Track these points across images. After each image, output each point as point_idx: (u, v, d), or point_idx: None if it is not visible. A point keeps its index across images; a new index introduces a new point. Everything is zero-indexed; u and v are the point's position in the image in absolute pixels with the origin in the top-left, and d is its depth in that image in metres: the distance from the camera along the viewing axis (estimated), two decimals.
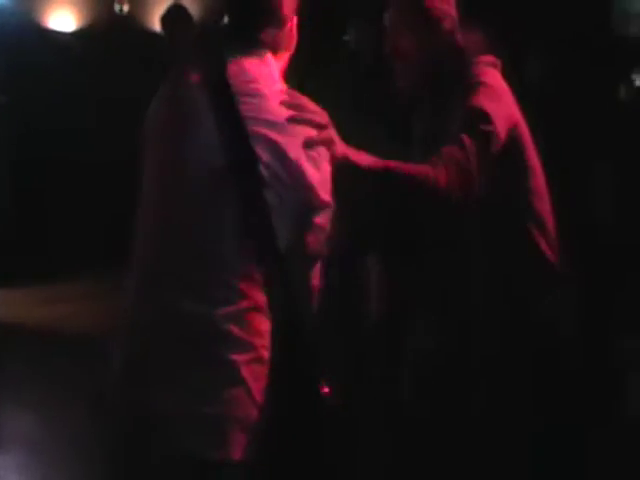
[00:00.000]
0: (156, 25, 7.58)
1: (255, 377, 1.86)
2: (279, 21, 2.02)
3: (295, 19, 2.08)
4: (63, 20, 8.05)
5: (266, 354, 1.88)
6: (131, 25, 8.17)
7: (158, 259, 1.94)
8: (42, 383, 4.70)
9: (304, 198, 1.91)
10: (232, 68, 1.97)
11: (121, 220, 2.69)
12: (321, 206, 1.94)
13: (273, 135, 1.89)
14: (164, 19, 5.34)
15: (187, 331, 1.86)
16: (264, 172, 1.86)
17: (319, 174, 1.93)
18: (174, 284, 1.89)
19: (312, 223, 1.94)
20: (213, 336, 1.85)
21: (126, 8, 8.16)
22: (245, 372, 1.85)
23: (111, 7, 8.11)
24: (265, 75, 1.99)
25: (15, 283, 6.62)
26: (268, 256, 1.87)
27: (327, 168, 1.97)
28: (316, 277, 2.00)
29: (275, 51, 2.04)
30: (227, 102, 1.91)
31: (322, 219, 1.96)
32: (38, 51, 7.40)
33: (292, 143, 1.89)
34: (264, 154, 1.87)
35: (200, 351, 1.85)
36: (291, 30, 2.08)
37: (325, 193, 1.95)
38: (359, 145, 2.18)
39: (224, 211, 1.88)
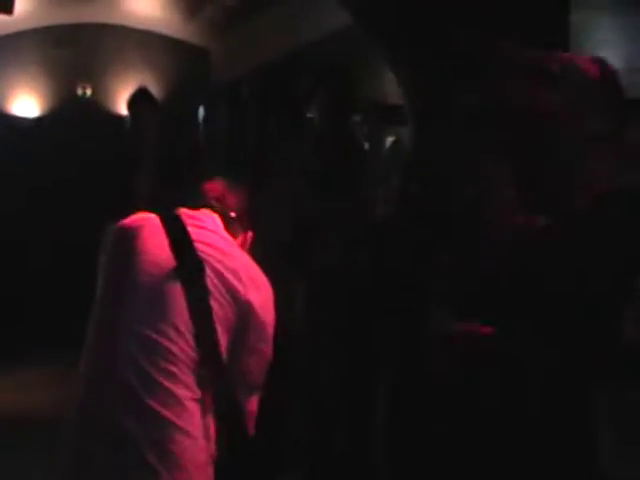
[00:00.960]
0: (119, 108, 7.62)
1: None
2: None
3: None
4: (26, 106, 8.04)
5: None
6: (94, 109, 8.18)
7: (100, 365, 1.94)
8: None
9: (242, 315, 1.94)
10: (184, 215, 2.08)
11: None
12: (260, 328, 1.97)
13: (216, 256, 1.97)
14: (130, 102, 5.35)
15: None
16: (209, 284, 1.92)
17: (259, 295, 1.98)
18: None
19: (251, 345, 1.97)
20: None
21: (89, 92, 8.18)
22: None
23: (74, 91, 8.13)
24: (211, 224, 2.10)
25: None
26: (210, 363, 1.89)
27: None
28: (252, 403, 2.02)
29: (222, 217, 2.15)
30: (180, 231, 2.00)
31: (261, 344, 1.99)
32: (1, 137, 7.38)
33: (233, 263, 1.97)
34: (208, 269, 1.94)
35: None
36: (239, 220, 2.18)
37: (266, 314, 1.99)
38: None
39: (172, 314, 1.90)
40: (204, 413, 1.87)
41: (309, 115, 4.26)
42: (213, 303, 1.90)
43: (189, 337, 1.87)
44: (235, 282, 1.94)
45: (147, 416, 1.81)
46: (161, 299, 1.90)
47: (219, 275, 1.94)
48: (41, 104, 8.13)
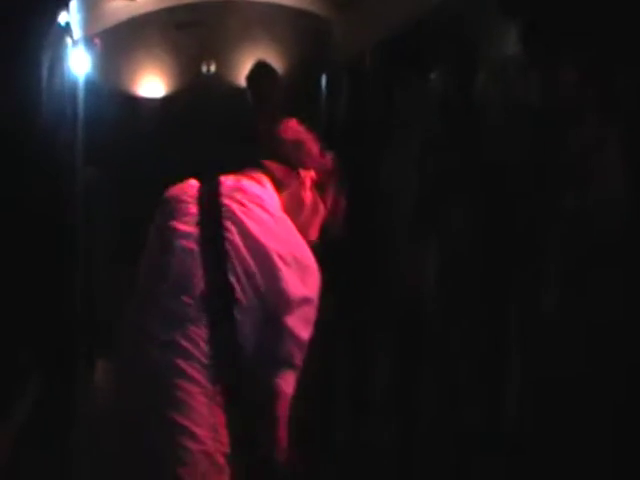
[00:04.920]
0: (242, 83, 7.61)
1: None
2: (286, 159, 2.03)
3: (310, 178, 2.06)
4: (152, 87, 8.15)
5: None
6: (217, 85, 8.22)
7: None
8: None
9: (271, 295, 1.84)
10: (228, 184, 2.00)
11: None
12: (291, 305, 1.85)
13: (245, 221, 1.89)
14: (250, 77, 5.33)
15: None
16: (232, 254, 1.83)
17: (290, 269, 1.86)
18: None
19: (280, 325, 1.85)
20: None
21: (213, 68, 8.21)
22: None
23: (199, 69, 8.19)
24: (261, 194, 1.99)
25: None
26: (229, 374, 1.80)
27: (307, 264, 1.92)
28: (288, 385, 1.89)
29: (277, 185, 2.04)
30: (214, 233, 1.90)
31: (293, 321, 1.86)
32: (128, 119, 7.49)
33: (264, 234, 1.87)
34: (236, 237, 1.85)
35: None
36: (303, 181, 2.05)
37: (298, 288, 1.87)
38: None
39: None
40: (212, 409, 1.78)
41: (433, 77, 4.24)
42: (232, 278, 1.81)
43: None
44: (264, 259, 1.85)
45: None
46: (180, 274, 1.84)
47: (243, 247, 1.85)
48: (167, 84, 8.22)
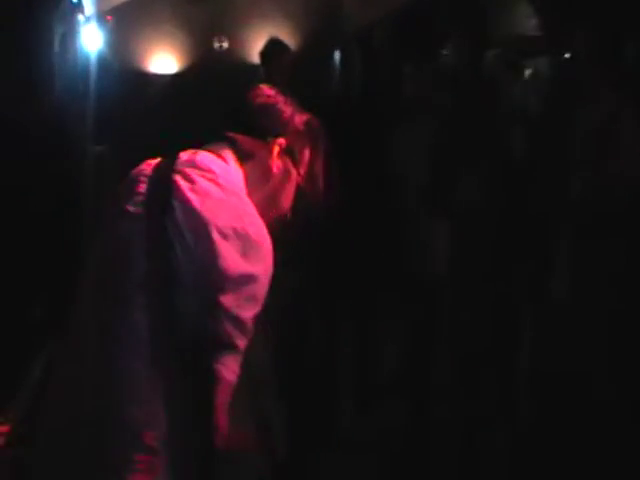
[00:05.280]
0: (256, 59, 7.58)
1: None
2: (253, 128, 1.97)
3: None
4: (164, 63, 8.13)
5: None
6: (229, 61, 8.20)
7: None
8: None
9: (207, 271, 1.76)
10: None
11: None
12: (229, 282, 1.76)
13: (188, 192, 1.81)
14: (263, 54, 5.31)
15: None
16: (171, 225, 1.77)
17: (229, 244, 1.78)
18: None
19: (218, 303, 1.76)
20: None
21: (225, 45, 8.18)
22: None
23: (211, 45, 8.16)
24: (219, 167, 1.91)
25: None
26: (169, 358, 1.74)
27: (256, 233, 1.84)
28: (229, 371, 1.79)
29: (241, 157, 1.97)
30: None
31: (231, 299, 1.77)
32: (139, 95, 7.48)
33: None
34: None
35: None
36: (271, 149, 1.99)
37: (237, 265, 1.78)
38: None
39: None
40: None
41: (445, 53, 4.19)
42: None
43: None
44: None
45: None
46: (120, 255, 1.82)
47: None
48: (179, 60, 8.20)
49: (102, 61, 6.94)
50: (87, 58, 5.81)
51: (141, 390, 1.73)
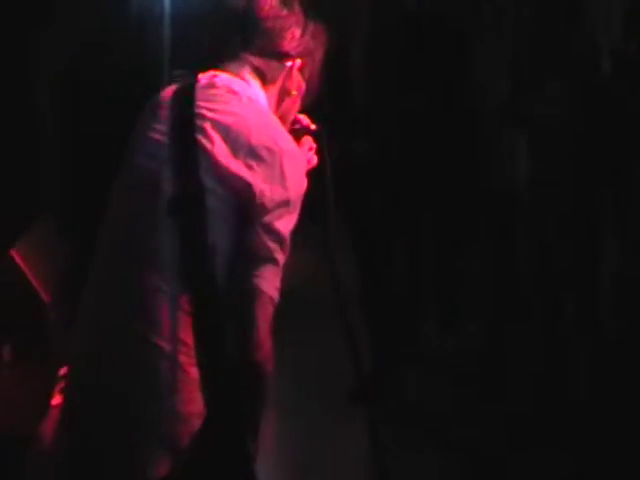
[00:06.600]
0: None
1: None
2: (269, 50, 1.92)
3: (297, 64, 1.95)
4: None
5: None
6: None
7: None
8: None
9: (245, 195, 1.75)
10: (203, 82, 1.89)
11: None
12: (270, 205, 1.75)
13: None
14: None
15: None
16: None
17: (266, 169, 1.77)
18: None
19: (258, 223, 1.75)
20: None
21: None
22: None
23: None
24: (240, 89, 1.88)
25: None
26: (199, 280, 1.71)
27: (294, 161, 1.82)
28: (269, 284, 1.75)
29: (264, 80, 1.93)
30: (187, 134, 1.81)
31: (270, 217, 1.75)
32: None
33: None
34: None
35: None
36: (290, 70, 1.94)
37: (276, 191, 1.76)
38: None
39: (163, 242, 1.75)
40: None
41: None
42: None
43: None
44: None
45: None
46: (148, 179, 1.81)
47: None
48: None
49: None
50: None
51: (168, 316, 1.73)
